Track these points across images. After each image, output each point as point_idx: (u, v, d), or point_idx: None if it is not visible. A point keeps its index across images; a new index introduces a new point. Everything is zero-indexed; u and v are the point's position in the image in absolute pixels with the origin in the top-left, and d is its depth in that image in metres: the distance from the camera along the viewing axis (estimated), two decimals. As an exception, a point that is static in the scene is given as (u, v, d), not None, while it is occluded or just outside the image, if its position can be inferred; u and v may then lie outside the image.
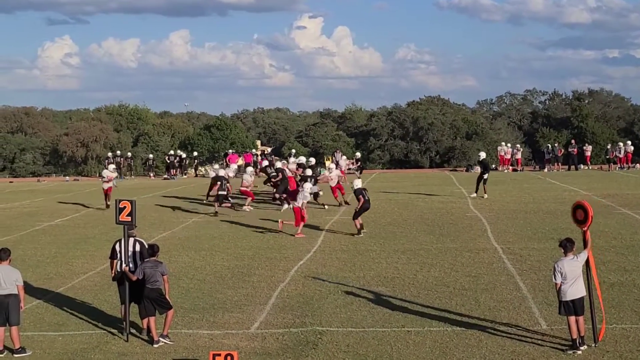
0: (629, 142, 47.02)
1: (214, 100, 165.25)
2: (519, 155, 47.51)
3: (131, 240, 12.93)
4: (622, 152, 44.94)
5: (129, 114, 69.89)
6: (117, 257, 13.01)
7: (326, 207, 27.09)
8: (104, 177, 30.37)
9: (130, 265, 12.71)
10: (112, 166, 33.76)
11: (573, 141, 48.64)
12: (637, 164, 46.85)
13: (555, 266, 11.39)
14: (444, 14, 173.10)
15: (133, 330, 12.73)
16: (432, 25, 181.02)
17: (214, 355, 10.21)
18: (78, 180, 50.61)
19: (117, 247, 13.06)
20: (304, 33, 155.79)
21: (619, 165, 44.65)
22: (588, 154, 47.54)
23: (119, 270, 12.94)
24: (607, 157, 46.03)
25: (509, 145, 48.27)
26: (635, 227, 21.34)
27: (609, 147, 47.40)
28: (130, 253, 12.82)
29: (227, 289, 15.63)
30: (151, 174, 49.09)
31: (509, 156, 46.45)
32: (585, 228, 11.63)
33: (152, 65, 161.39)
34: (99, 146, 61.18)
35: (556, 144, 48.80)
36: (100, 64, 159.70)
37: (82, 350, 12.01)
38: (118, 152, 51.20)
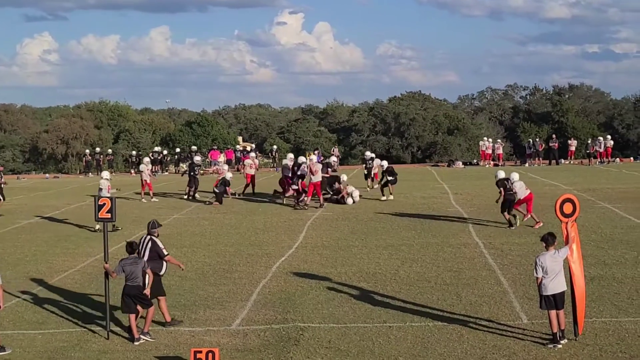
0: (609, 137, 47.37)
1: (195, 96, 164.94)
2: (500, 150, 47.79)
3: (147, 237, 13.13)
4: (602, 146, 45.22)
5: (109, 111, 69.60)
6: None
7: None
8: (102, 188, 22.78)
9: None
10: (106, 173, 25.08)
11: (554, 136, 48.90)
12: (617, 158, 47.21)
13: (537, 260, 11.42)
14: (425, 9, 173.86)
15: (115, 328, 12.65)
16: (413, 21, 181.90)
17: (195, 352, 10.17)
18: (58, 177, 50.34)
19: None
20: (285, 29, 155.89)
21: (599, 160, 44.93)
22: (572, 148, 47.78)
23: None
24: (588, 151, 46.30)
25: (490, 140, 48.47)
26: (614, 221, 21.47)
27: (589, 141, 47.70)
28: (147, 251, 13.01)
29: (208, 285, 15.57)
30: (132, 171, 48.82)
31: (490, 151, 46.67)
32: (572, 221, 11.67)
33: (132, 62, 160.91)
34: (79, 143, 60.85)
35: (537, 139, 49.04)
36: (80, 60, 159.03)
37: (62, 348, 11.93)
38: (97, 149, 51.03)
